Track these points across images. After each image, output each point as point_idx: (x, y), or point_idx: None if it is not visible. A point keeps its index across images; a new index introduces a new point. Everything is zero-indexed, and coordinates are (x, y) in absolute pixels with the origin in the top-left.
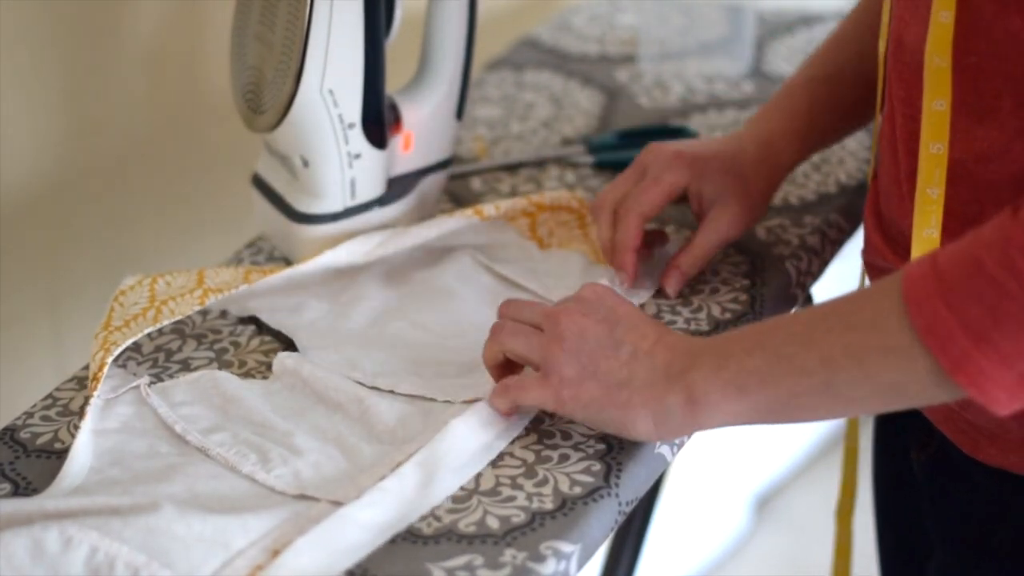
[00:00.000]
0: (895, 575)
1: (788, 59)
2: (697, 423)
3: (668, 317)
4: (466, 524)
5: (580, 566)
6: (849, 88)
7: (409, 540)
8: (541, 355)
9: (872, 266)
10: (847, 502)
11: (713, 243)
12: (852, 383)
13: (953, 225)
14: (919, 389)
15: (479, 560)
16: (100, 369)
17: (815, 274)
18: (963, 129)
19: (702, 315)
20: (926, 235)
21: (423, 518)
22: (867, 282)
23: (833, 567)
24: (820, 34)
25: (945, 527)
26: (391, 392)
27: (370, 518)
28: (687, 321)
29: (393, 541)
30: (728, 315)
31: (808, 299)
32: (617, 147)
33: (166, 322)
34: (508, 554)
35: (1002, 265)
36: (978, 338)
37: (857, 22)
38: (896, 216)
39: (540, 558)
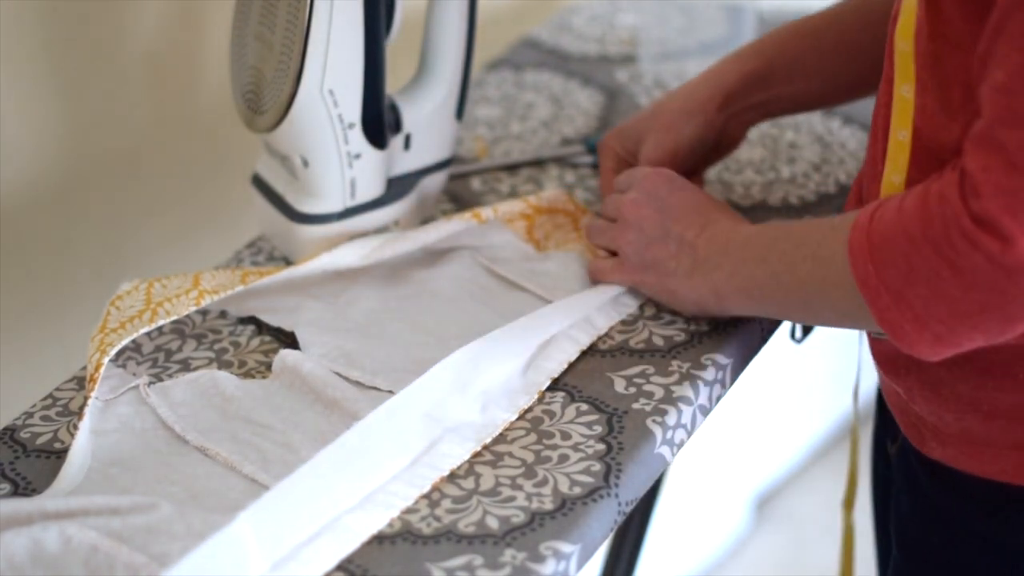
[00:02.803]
0: (881, 568)
1: None
2: (726, 309)
3: (669, 317)
4: (466, 524)
5: (580, 566)
6: (817, 35)
7: (409, 540)
8: (616, 246)
9: None
10: (851, 492)
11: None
12: (819, 304)
13: None
14: (864, 322)
15: (479, 560)
16: (96, 370)
17: None
18: (930, 117)
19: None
20: None
21: (423, 518)
22: None
23: (841, 557)
24: None
25: (896, 525)
26: (390, 392)
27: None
28: (687, 321)
29: (393, 541)
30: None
31: None
32: None
33: (161, 322)
34: (508, 554)
35: (910, 238)
36: (895, 297)
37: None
38: (870, 197)
39: (540, 558)
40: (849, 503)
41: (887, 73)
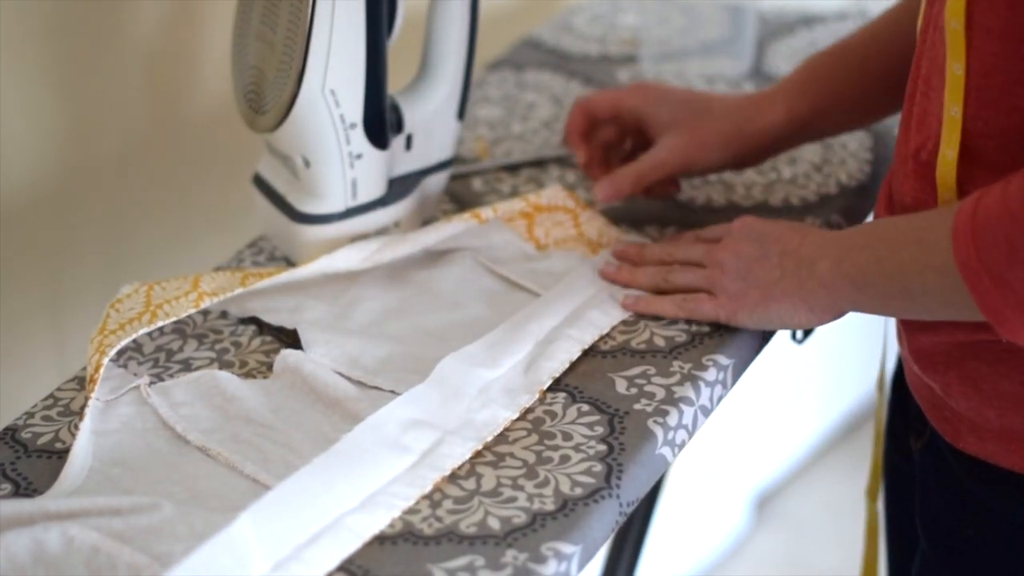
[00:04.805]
0: (895, 563)
1: (789, 59)
2: (836, 305)
3: (667, 320)
4: (467, 525)
5: (581, 567)
6: (856, 59)
7: (410, 541)
8: (708, 283)
9: None
10: (875, 482)
11: (648, 164)
12: (922, 293)
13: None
14: (969, 310)
15: (480, 561)
16: (96, 371)
17: None
18: (975, 98)
19: None
20: (947, 198)
21: (424, 519)
22: None
23: (864, 547)
24: (821, 34)
25: (924, 518)
26: (392, 392)
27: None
28: (688, 322)
29: (394, 542)
30: None
31: None
32: None
33: (160, 323)
34: (509, 555)
35: (1021, 208)
36: (996, 279)
37: (899, 10)
38: (901, 193)
39: (541, 559)
40: (872, 493)
41: (924, 66)
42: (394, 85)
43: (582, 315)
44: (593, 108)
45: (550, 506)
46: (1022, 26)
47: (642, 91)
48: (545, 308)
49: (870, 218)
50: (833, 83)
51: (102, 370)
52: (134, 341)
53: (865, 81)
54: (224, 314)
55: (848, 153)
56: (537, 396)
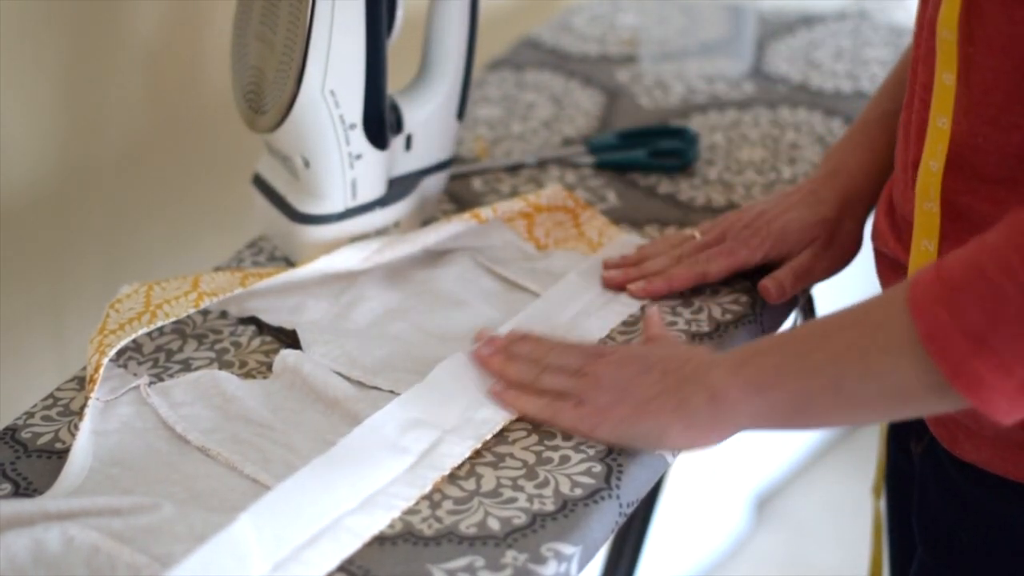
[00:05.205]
0: (896, 562)
1: (789, 59)
2: (722, 423)
3: (669, 318)
4: (467, 525)
5: (581, 567)
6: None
7: (410, 541)
8: (578, 391)
9: (878, 252)
10: (880, 479)
11: (803, 269)
12: (858, 384)
13: (951, 213)
14: (922, 395)
15: (480, 561)
16: (96, 371)
17: None
18: (963, 112)
19: (703, 316)
20: (926, 208)
21: (424, 519)
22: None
23: (871, 544)
24: (821, 34)
25: (922, 523)
26: (392, 392)
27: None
28: (688, 323)
29: (394, 542)
30: (729, 316)
31: (809, 300)
32: (618, 147)
33: (160, 323)
34: (509, 555)
35: (1001, 268)
36: (976, 343)
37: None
38: (901, 202)
39: (541, 560)
40: (879, 490)
41: (923, 76)
42: (394, 85)
43: (579, 324)
44: (712, 277)
45: (550, 507)
46: (1022, 42)
47: (757, 239)
48: (544, 311)
49: (869, 224)
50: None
51: (102, 370)
52: (134, 341)
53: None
54: (224, 314)
55: None
56: None
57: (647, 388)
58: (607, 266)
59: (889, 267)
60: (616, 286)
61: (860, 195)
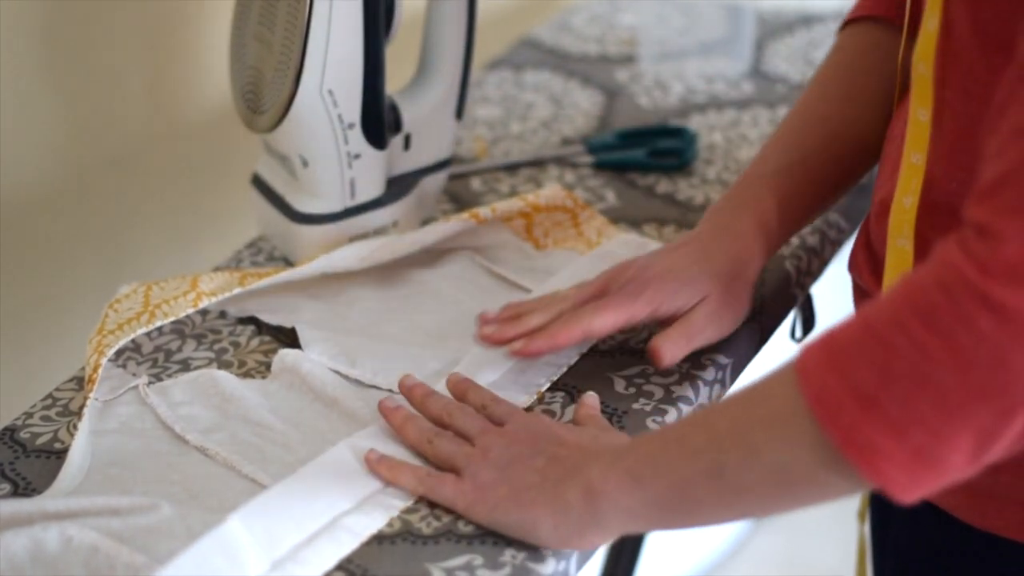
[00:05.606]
0: None
1: (788, 59)
2: (596, 521)
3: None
4: (465, 524)
5: (580, 566)
6: (818, 174)
7: (409, 540)
8: (465, 462)
9: (854, 283)
10: (864, 503)
11: (696, 329)
12: (740, 465)
13: (925, 251)
14: (812, 474)
15: (479, 560)
16: (95, 371)
17: (815, 274)
18: (937, 152)
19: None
20: (899, 245)
21: (423, 518)
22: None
23: (856, 569)
24: (820, 34)
25: (895, 556)
26: (390, 391)
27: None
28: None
29: (393, 541)
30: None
31: (808, 299)
32: (617, 147)
33: (159, 323)
34: (508, 554)
35: (890, 323)
36: (866, 404)
37: (821, 99)
38: (876, 235)
39: (540, 558)
40: (863, 514)
41: (909, 111)
42: (392, 85)
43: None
44: (596, 334)
45: None
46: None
47: (643, 293)
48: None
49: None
50: (805, 208)
51: (100, 370)
52: (133, 341)
53: (812, 189)
54: (223, 314)
55: None
56: (535, 396)
57: (529, 474)
58: (484, 321)
59: (864, 299)
60: (494, 344)
61: (749, 255)
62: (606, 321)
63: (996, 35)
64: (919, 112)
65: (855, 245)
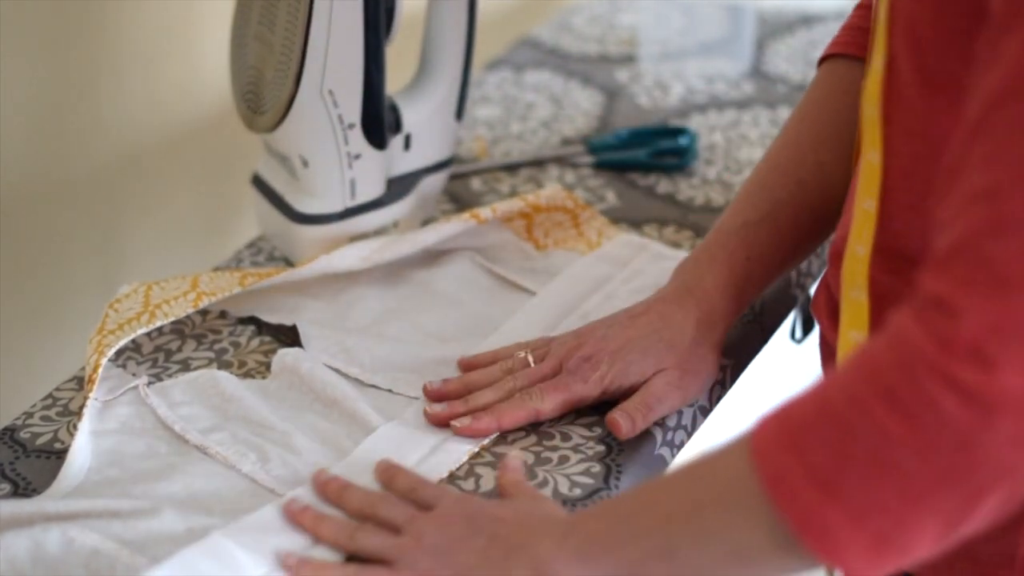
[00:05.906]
0: None
1: (788, 59)
2: None
3: None
4: None
5: None
6: (789, 225)
7: None
8: (397, 552)
9: (819, 329)
10: None
11: (654, 399)
12: (692, 546)
13: (881, 302)
14: (767, 555)
15: None
16: (95, 371)
17: (814, 275)
18: (884, 191)
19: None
20: (853, 297)
21: None
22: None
23: None
24: (820, 34)
25: None
26: (389, 391)
27: None
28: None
29: None
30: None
31: (808, 299)
32: (617, 147)
33: (159, 323)
34: None
35: (848, 401)
36: (824, 488)
37: (794, 144)
38: (833, 281)
39: None
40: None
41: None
42: (393, 85)
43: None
44: (545, 415)
45: None
46: (941, 130)
47: (595, 374)
48: (541, 311)
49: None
50: (779, 261)
51: (100, 370)
52: (133, 341)
53: (785, 240)
54: (223, 314)
55: None
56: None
57: (469, 555)
58: (429, 396)
59: (826, 347)
60: (439, 423)
61: (716, 316)
62: (555, 404)
63: (936, 75)
64: (870, 154)
65: (819, 284)
